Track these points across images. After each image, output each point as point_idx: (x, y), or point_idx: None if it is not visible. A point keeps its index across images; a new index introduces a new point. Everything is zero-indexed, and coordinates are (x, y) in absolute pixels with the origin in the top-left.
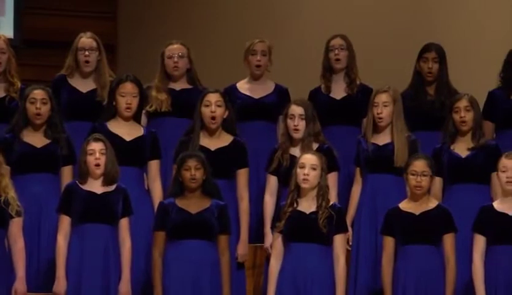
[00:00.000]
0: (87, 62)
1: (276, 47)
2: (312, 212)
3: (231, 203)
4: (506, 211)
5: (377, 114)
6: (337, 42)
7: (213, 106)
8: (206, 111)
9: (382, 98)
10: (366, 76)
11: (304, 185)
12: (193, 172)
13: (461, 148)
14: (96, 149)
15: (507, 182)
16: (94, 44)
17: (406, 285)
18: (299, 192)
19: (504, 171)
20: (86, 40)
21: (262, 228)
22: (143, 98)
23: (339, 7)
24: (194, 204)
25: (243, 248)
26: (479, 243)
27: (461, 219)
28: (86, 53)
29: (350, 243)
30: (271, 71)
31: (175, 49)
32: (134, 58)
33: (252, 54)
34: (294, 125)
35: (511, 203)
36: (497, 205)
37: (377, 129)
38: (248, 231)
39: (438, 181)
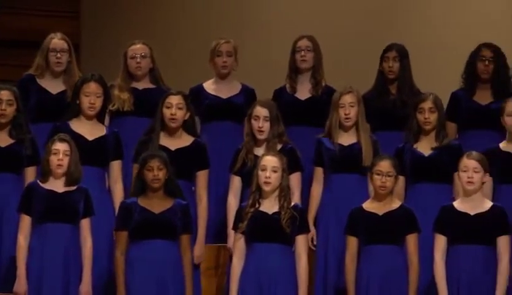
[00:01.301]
0: (58, 63)
1: (243, 48)
2: (274, 213)
3: (190, 204)
4: (466, 211)
5: (345, 114)
6: (303, 43)
7: (174, 108)
8: (167, 113)
9: (348, 98)
10: (332, 77)
11: (265, 188)
12: (156, 172)
13: (425, 147)
14: (61, 149)
15: (467, 182)
16: (65, 45)
17: (370, 285)
18: (261, 192)
19: (465, 171)
20: (57, 41)
21: (225, 228)
22: (108, 98)
23: (306, 8)
24: (157, 204)
25: (199, 249)
26: (440, 242)
27: (423, 219)
28: (58, 55)
29: (314, 243)
30: (238, 71)
31: (137, 49)
32: (98, 58)
33: (217, 55)
34: (259, 127)
35: (471, 202)
36: (458, 205)
37: (342, 129)
38: (212, 231)
39: (400, 180)
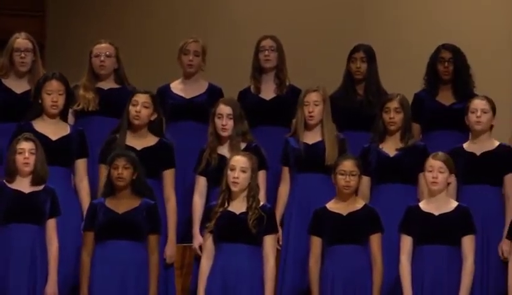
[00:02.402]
0: (23, 63)
1: (210, 47)
2: (242, 213)
3: (158, 203)
4: (431, 211)
5: (309, 112)
6: (267, 43)
7: (139, 105)
8: (132, 110)
9: (313, 97)
10: (297, 77)
11: (234, 188)
12: (120, 171)
13: (390, 148)
14: (26, 148)
15: (432, 182)
16: (29, 45)
17: (334, 285)
18: (230, 192)
19: (430, 171)
20: (21, 41)
21: (190, 229)
22: (70, 96)
23: (270, 8)
24: (122, 204)
25: (171, 249)
26: (406, 243)
27: (388, 219)
28: (22, 54)
29: (280, 243)
30: (206, 71)
31: (102, 48)
32: (63, 57)
33: (184, 53)
34: (222, 125)
35: (436, 203)
36: (423, 205)
37: (307, 128)
38: (177, 231)
39: (365, 180)
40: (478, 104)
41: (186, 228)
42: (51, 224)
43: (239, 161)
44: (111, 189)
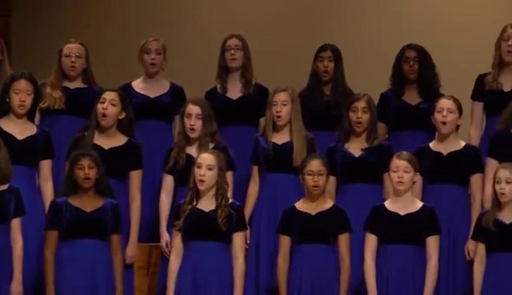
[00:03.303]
0: None
1: (173, 46)
2: (211, 211)
3: (122, 203)
4: (397, 211)
5: (276, 112)
6: (233, 42)
7: (106, 103)
8: (99, 108)
9: (281, 96)
10: (263, 76)
11: (200, 186)
12: (87, 171)
13: (355, 147)
14: None
15: (398, 182)
16: None
17: (302, 284)
18: (198, 190)
19: (395, 171)
20: None
21: (157, 228)
22: (38, 96)
23: (236, 7)
24: (88, 203)
25: (132, 249)
26: (370, 241)
27: (354, 218)
28: None
29: (248, 242)
30: (168, 70)
31: (73, 48)
32: (29, 56)
33: (146, 52)
34: (191, 125)
35: (402, 202)
36: (388, 205)
37: (275, 128)
38: (144, 230)
39: (331, 180)
40: (444, 103)
41: (153, 227)
42: (16, 223)
43: (206, 159)
44: (73, 188)
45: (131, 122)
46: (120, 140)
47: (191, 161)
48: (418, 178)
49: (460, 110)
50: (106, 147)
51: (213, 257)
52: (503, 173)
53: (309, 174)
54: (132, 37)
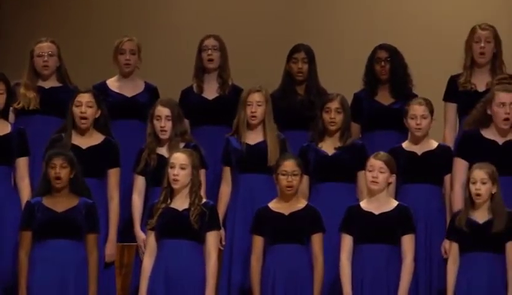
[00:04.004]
0: None
1: (148, 46)
2: (184, 209)
3: (101, 203)
4: (372, 210)
5: (251, 112)
6: (210, 42)
7: (83, 106)
8: (77, 111)
9: (256, 97)
10: (237, 76)
11: (174, 186)
12: (58, 170)
13: (329, 147)
14: None
15: (372, 181)
16: None
17: (275, 284)
18: (172, 189)
19: (370, 171)
20: None
21: (130, 228)
22: (11, 95)
23: (212, 8)
24: (61, 203)
25: (111, 248)
26: (346, 242)
27: (327, 218)
28: None
29: (223, 243)
30: (143, 69)
31: (44, 47)
32: (0, 55)
33: (120, 53)
34: (161, 126)
35: (377, 202)
36: (364, 204)
37: (248, 128)
38: (117, 231)
39: (304, 179)
40: (417, 110)
41: (126, 227)
42: None
43: (179, 158)
44: (48, 188)
45: (106, 119)
46: (97, 139)
47: (162, 161)
48: (394, 179)
49: (432, 112)
50: (84, 147)
51: (186, 255)
52: (479, 174)
53: (283, 174)
54: (107, 37)
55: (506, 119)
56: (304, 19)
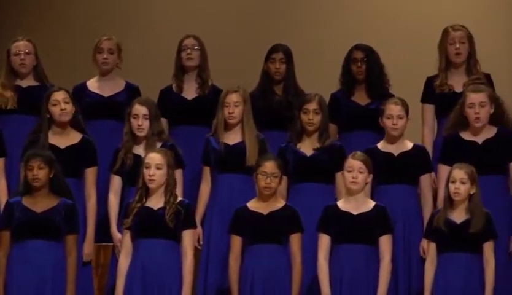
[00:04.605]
0: None
1: (127, 45)
2: (160, 208)
3: (79, 202)
4: (350, 211)
5: (229, 113)
6: (190, 41)
7: (62, 103)
8: (56, 110)
9: (233, 97)
10: (216, 76)
11: (150, 186)
12: (35, 172)
13: (307, 147)
14: None
15: (351, 182)
16: None
17: (254, 284)
18: (147, 189)
19: (350, 171)
20: None
21: (106, 228)
22: None
23: (191, 8)
24: (40, 203)
25: (89, 247)
26: (324, 242)
27: (305, 218)
28: None
29: (201, 242)
30: (122, 69)
31: (21, 46)
32: None
33: (98, 52)
34: (138, 125)
35: (355, 202)
36: (341, 204)
37: (227, 128)
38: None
39: (283, 180)
40: (393, 109)
41: (102, 228)
42: None
43: (154, 158)
44: (27, 188)
45: (80, 116)
46: (74, 138)
47: (138, 161)
48: (371, 179)
49: (407, 112)
50: (62, 146)
51: (162, 254)
52: (458, 173)
53: (262, 175)
54: (87, 36)
55: (477, 119)
56: (283, 20)
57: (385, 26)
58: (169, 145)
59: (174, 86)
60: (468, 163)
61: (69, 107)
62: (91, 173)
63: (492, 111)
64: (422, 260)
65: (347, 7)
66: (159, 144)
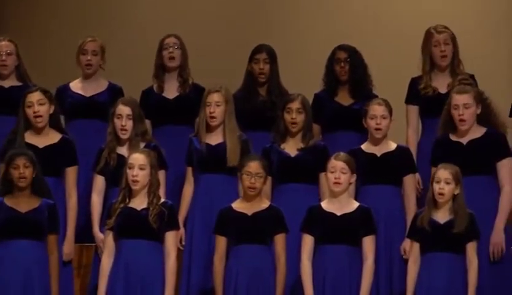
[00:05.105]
0: None
1: (110, 45)
2: (143, 209)
3: (59, 202)
4: (333, 211)
5: (210, 113)
6: (171, 40)
7: (36, 105)
8: (30, 112)
9: (215, 97)
10: (200, 76)
11: (134, 186)
12: (22, 170)
13: (291, 147)
14: None
15: (334, 182)
16: None
17: (238, 284)
18: (130, 189)
19: (332, 172)
20: None
21: (89, 228)
22: None
23: (173, 7)
24: (23, 203)
25: (69, 247)
26: (307, 242)
27: (290, 218)
28: None
29: (183, 243)
30: (107, 69)
31: (2, 46)
32: None
33: (82, 53)
34: (122, 125)
35: (338, 203)
36: (325, 205)
37: (209, 129)
38: (75, 231)
39: (268, 180)
40: (377, 110)
41: (85, 228)
42: None
43: (137, 159)
44: (8, 188)
45: (59, 115)
46: (53, 137)
47: (122, 161)
48: (355, 179)
49: (391, 113)
50: (40, 146)
51: (145, 255)
52: (443, 174)
53: (247, 175)
54: (70, 36)
55: (461, 120)
56: (267, 20)
57: (369, 26)
58: (153, 146)
59: (154, 86)
60: (454, 163)
61: (44, 109)
62: (71, 173)
63: (478, 112)
64: (404, 261)
65: (330, 7)
66: (142, 145)
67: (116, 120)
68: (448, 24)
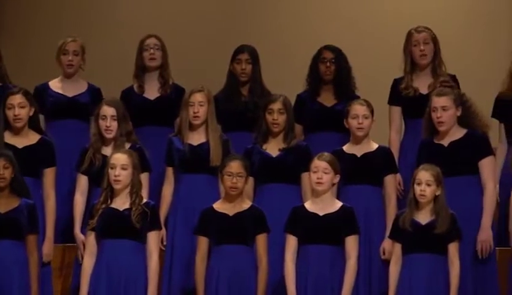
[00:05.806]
0: None
1: (90, 45)
2: (125, 209)
3: (38, 202)
4: (316, 211)
5: (194, 113)
6: (152, 41)
7: (16, 108)
8: (10, 114)
9: (198, 97)
10: (181, 77)
11: (116, 186)
12: (1, 172)
13: (273, 148)
14: None
15: (317, 182)
16: None
17: (219, 284)
18: (112, 189)
19: (315, 172)
20: None
21: (70, 229)
22: None
23: (153, 8)
24: (2, 204)
25: (48, 247)
26: (291, 242)
27: (271, 219)
28: None
29: (165, 243)
30: (86, 69)
31: None
32: None
33: (63, 53)
34: (107, 126)
35: (321, 203)
36: (308, 205)
37: (191, 128)
38: (57, 231)
39: (249, 181)
40: (359, 109)
41: (68, 228)
42: None
43: (119, 159)
44: None
45: (38, 117)
46: (32, 138)
47: (107, 161)
48: (338, 179)
49: (372, 113)
50: (19, 146)
51: (127, 255)
52: (424, 175)
53: (228, 175)
54: (50, 36)
55: (439, 122)
56: (248, 20)
57: (351, 28)
58: (137, 147)
59: (135, 86)
60: (437, 165)
61: (24, 112)
62: (49, 173)
63: (459, 114)
64: (383, 262)
65: (312, 8)
66: (128, 145)
67: (100, 121)
68: (430, 25)
